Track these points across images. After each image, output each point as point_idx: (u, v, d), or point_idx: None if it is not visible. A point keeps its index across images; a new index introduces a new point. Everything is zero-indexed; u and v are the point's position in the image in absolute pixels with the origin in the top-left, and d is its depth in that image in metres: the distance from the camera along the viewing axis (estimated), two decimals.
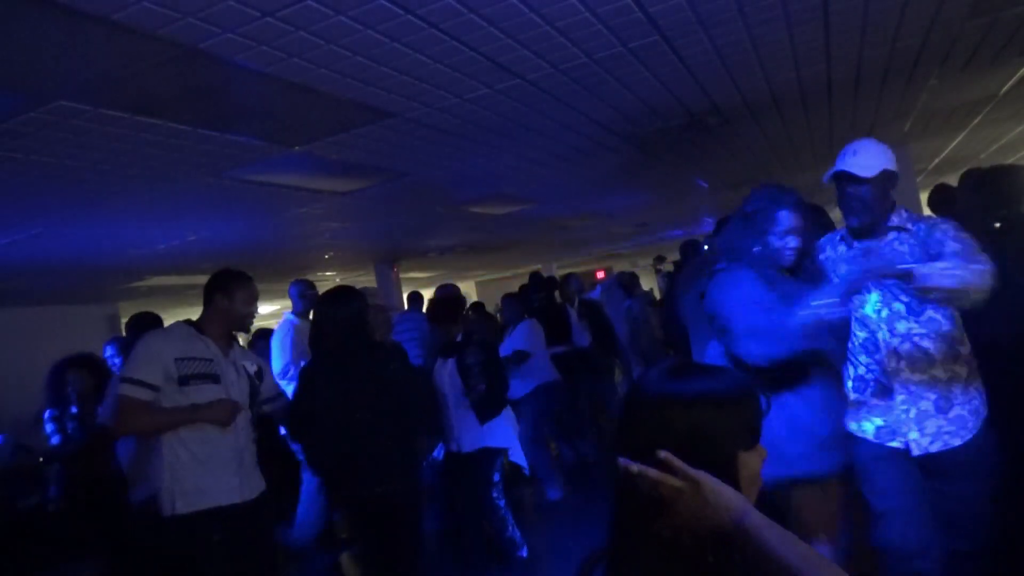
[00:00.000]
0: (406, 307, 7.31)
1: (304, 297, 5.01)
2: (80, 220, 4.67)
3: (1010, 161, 9.69)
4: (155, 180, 4.01)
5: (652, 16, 2.84)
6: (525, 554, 4.04)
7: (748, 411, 1.06)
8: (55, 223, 4.62)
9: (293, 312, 5.00)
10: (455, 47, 2.81)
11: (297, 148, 3.86)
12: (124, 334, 4.88)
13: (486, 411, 3.82)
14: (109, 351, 4.49)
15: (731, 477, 1.02)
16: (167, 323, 3.06)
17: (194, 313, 2.81)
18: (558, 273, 13.65)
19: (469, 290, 16.29)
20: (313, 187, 4.83)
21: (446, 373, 3.92)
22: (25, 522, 4.60)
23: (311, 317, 3.43)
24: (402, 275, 10.39)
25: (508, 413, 4.07)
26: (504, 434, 3.95)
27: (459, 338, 3.97)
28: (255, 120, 3.36)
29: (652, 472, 1.00)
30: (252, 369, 2.88)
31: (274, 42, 2.52)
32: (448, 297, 4.48)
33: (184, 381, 2.57)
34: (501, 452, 3.97)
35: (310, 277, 5.57)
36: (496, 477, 4.00)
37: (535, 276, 6.84)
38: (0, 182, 3.64)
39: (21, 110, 2.77)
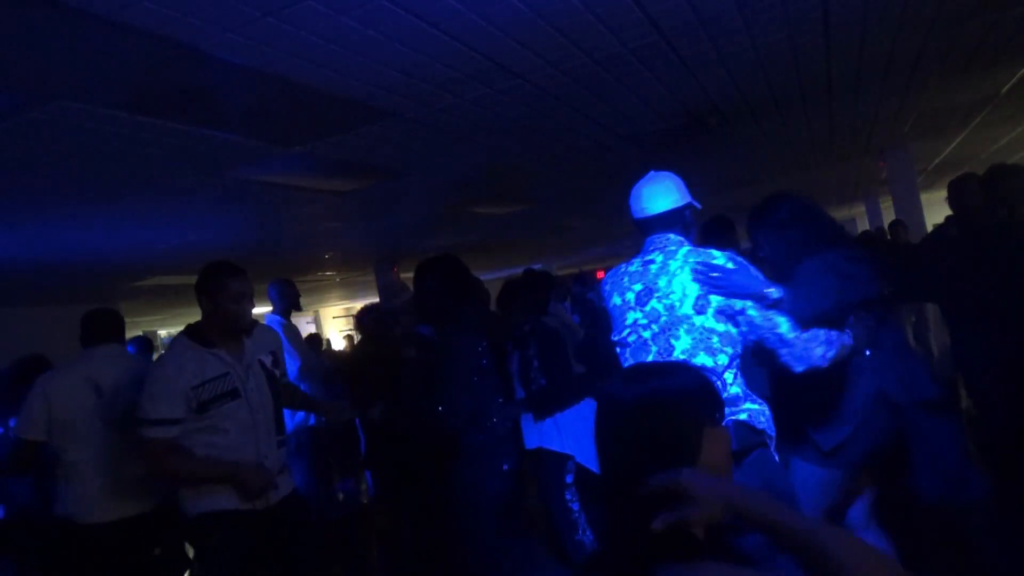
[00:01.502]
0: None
1: (284, 296, 5.01)
2: (80, 220, 4.66)
3: (1011, 161, 9.69)
4: (155, 180, 4.01)
5: (652, 16, 2.84)
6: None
7: (707, 395, 1.16)
8: (55, 223, 4.62)
9: (275, 312, 4.99)
10: (455, 47, 2.81)
11: (297, 148, 3.86)
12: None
13: (544, 408, 3.46)
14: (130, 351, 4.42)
15: (696, 452, 1.11)
16: (165, 323, 3.01)
17: (194, 314, 2.71)
18: (559, 273, 13.64)
19: None
20: (313, 187, 4.82)
21: (514, 366, 3.58)
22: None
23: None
24: (402, 275, 10.39)
25: (580, 411, 3.54)
26: (566, 438, 3.49)
27: (528, 327, 3.58)
28: (255, 120, 3.36)
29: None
30: (268, 361, 2.71)
31: (274, 42, 2.52)
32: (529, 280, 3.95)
33: (203, 408, 2.43)
34: (566, 457, 3.55)
35: (310, 277, 5.55)
36: (569, 479, 3.60)
37: (529, 273, 6.69)
38: (1, 182, 3.64)
39: (21, 110, 2.77)
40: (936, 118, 6.07)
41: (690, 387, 1.16)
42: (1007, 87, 5.32)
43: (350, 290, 13.39)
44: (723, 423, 1.19)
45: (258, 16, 2.31)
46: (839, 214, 14.33)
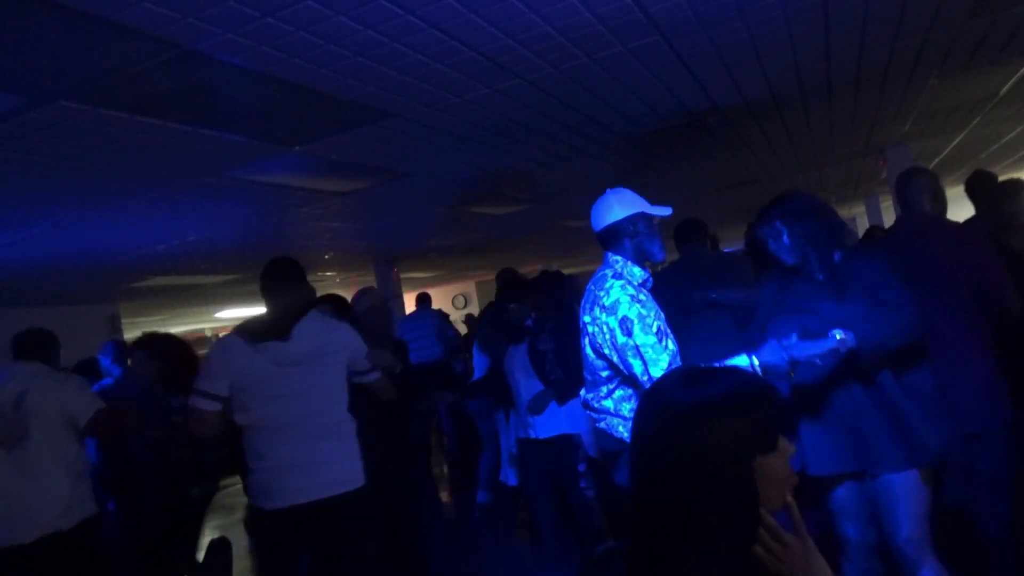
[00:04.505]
0: (414, 307, 7.52)
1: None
2: (80, 220, 4.66)
3: (1011, 160, 9.70)
4: (155, 180, 4.01)
5: (652, 16, 2.84)
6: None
7: (762, 412, 1.02)
8: (55, 223, 4.62)
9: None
10: (455, 47, 2.81)
11: (297, 148, 3.86)
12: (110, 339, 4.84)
13: (565, 394, 3.66)
14: (105, 360, 4.39)
15: (750, 485, 1.00)
16: (165, 323, 3.10)
17: (194, 314, 2.79)
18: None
19: (469, 290, 16.31)
20: (313, 187, 4.82)
21: (517, 358, 3.80)
22: None
23: None
24: (402, 275, 10.39)
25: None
26: (577, 419, 3.71)
27: (529, 322, 3.80)
28: (255, 120, 3.36)
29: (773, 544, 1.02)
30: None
31: (274, 42, 2.52)
32: (522, 278, 4.31)
33: None
34: (577, 437, 3.77)
35: (310, 277, 5.55)
36: (582, 467, 3.81)
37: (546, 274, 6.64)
38: (1, 182, 3.64)
39: (21, 110, 2.77)
40: (936, 118, 6.07)
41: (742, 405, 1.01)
42: (1007, 87, 5.32)
43: (349, 290, 13.39)
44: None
45: (258, 16, 2.31)
46: (839, 214, 14.29)
